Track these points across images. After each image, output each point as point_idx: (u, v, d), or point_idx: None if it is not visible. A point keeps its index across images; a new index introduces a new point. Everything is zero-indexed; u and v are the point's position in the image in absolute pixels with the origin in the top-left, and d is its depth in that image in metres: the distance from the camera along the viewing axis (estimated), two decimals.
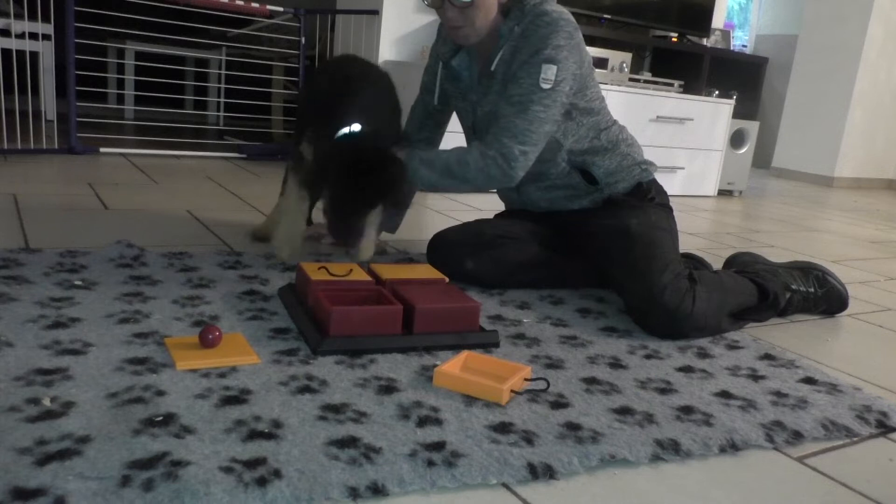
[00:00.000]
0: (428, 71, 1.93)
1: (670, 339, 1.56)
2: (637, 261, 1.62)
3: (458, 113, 1.92)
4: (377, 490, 0.88)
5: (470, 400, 1.15)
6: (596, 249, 1.76)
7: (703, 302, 1.56)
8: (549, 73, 1.59)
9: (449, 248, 1.82)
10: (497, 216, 2.04)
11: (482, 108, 1.77)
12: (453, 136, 2.01)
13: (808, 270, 1.87)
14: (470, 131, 1.88)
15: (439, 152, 1.69)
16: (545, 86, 1.59)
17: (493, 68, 1.69)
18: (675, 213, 1.88)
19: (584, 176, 1.80)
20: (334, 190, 1.55)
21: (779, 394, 1.31)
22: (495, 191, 2.05)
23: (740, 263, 1.93)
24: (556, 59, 1.60)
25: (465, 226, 1.91)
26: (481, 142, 1.68)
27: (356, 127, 1.58)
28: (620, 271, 1.66)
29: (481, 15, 1.62)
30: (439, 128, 1.98)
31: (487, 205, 2.97)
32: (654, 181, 1.85)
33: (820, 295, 1.85)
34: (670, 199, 1.91)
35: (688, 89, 4.29)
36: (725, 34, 5.35)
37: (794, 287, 1.80)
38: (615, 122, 1.85)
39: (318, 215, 1.63)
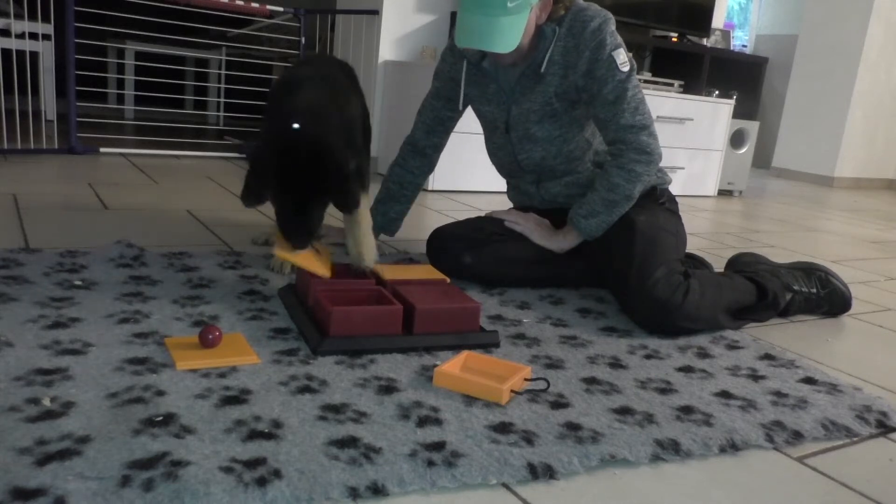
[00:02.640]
0: (440, 76, 1.90)
1: (663, 332, 1.56)
2: (635, 255, 1.63)
3: (481, 115, 1.90)
4: (377, 490, 0.88)
5: (470, 400, 1.15)
6: (599, 244, 1.76)
7: (695, 295, 1.57)
8: (620, 57, 1.66)
9: (448, 242, 1.83)
10: None
11: (520, 107, 1.77)
12: (456, 137, 2.01)
13: (810, 271, 1.87)
14: (498, 131, 1.86)
15: (588, 198, 1.73)
16: (624, 69, 1.66)
17: (542, 69, 1.69)
18: None
19: None
20: (273, 191, 1.49)
21: (779, 394, 1.31)
22: (504, 190, 2.05)
23: (742, 264, 1.93)
24: (618, 44, 1.67)
25: (466, 221, 1.92)
26: (609, 156, 1.73)
27: (295, 126, 1.49)
28: (618, 264, 1.66)
29: (524, 41, 1.64)
30: (447, 133, 1.96)
31: (490, 205, 2.96)
32: (668, 190, 1.86)
33: (822, 296, 1.85)
34: None
35: (688, 89, 4.30)
36: (725, 34, 5.35)
37: (795, 288, 1.80)
38: None
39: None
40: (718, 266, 2.05)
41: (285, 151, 1.46)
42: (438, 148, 1.97)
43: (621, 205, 1.71)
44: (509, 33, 1.56)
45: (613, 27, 1.68)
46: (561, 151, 1.79)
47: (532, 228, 1.82)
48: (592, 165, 1.83)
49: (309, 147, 1.46)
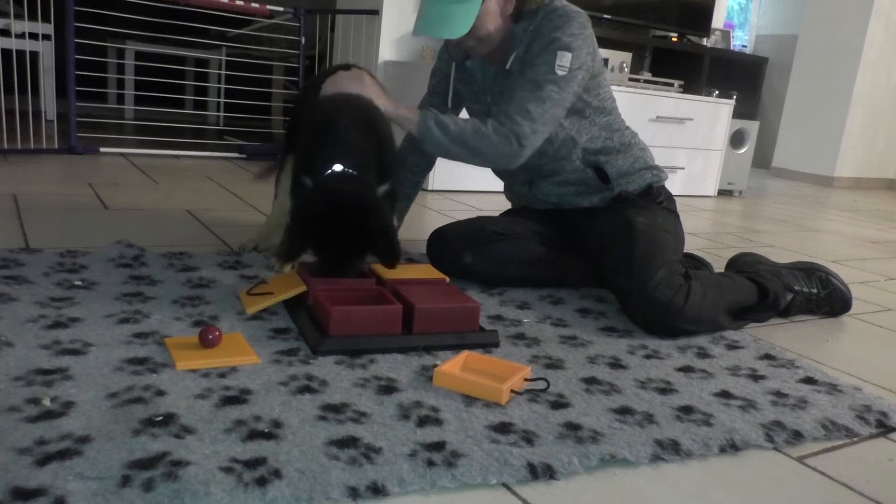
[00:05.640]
0: (436, 73, 1.93)
1: (664, 333, 1.56)
2: (636, 257, 1.63)
3: (472, 113, 1.91)
4: (377, 490, 0.88)
5: (470, 400, 1.15)
6: (598, 245, 1.76)
7: (697, 297, 1.57)
8: (564, 59, 1.62)
9: (448, 242, 1.83)
10: (501, 215, 2.04)
11: (497, 108, 1.77)
12: None
13: (811, 271, 1.87)
14: None
15: (456, 118, 1.68)
16: (560, 72, 1.63)
17: (508, 67, 1.71)
18: None
19: (597, 174, 1.81)
20: (317, 246, 1.46)
21: (779, 394, 1.31)
22: (502, 190, 2.05)
23: (743, 264, 1.93)
24: (571, 47, 1.63)
25: (466, 222, 1.92)
26: (495, 118, 1.68)
27: (337, 167, 1.46)
28: (619, 266, 1.66)
29: (484, 30, 1.65)
30: None
31: (490, 205, 2.97)
32: (664, 188, 1.86)
33: (823, 296, 1.84)
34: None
35: (688, 89, 4.29)
36: (725, 34, 5.35)
37: (796, 288, 1.80)
38: (627, 126, 1.88)
39: None
40: (718, 266, 2.05)
41: (330, 210, 1.42)
42: None
43: (463, 152, 1.64)
44: (459, 20, 1.58)
45: (576, 29, 1.64)
46: (546, 152, 1.78)
47: (378, 93, 1.68)
48: (583, 164, 1.81)
49: (355, 207, 1.43)
